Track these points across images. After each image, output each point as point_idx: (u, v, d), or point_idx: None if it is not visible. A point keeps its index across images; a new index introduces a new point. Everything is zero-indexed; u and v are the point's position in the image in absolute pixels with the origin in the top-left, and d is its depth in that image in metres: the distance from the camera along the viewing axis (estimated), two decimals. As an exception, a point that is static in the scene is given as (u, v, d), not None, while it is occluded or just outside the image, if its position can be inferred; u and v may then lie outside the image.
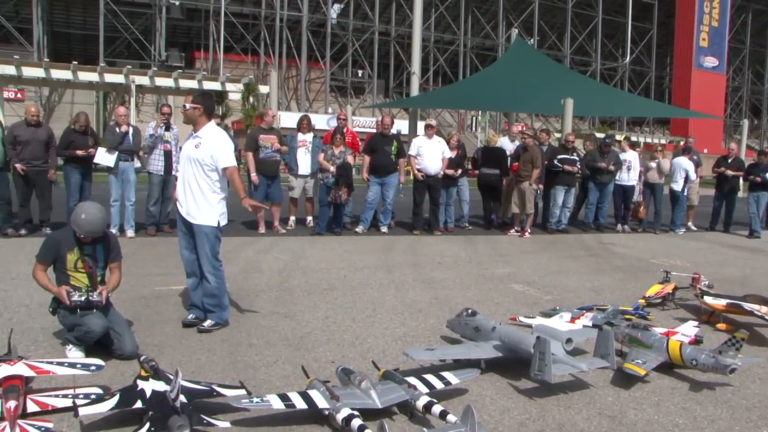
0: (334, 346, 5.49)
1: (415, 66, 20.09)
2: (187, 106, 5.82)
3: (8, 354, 4.35)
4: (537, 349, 4.38)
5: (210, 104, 5.97)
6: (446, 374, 4.42)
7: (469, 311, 5.44)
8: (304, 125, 12.37)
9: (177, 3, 56.72)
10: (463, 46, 63.15)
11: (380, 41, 60.45)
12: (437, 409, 3.83)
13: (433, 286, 8.04)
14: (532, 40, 58.18)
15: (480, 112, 51.32)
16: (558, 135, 20.79)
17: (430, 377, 4.35)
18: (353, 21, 59.81)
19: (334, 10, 59.78)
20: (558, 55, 61.49)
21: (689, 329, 5.99)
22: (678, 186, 14.49)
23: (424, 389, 4.17)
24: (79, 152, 10.67)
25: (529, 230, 12.94)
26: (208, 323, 5.83)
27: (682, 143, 18.90)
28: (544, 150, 13.53)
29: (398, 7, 59.55)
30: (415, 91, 20.60)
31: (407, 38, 45.90)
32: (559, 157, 13.31)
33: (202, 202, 5.79)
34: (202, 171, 5.76)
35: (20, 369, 4.04)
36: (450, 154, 12.71)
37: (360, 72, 62.18)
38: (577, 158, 13.54)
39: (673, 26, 65.89)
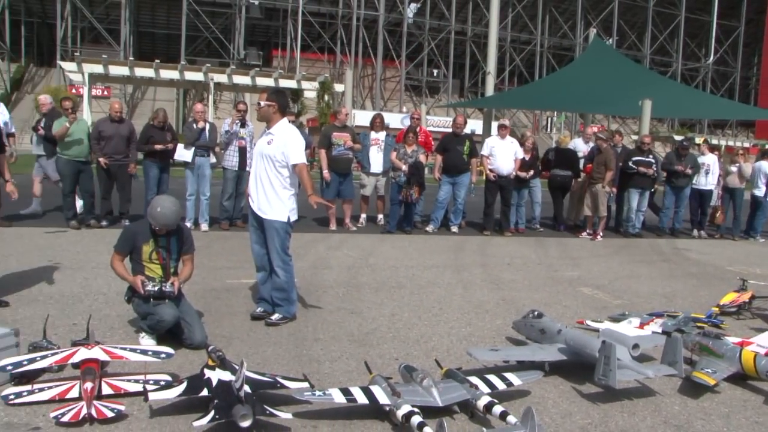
0: (399, 343, 5.52)
1: (491, 66, 20.00)
2: (262, 103, 5.94)
3: (86, 338, 4.58)
4: (602, 354, 4.31)
5: (284, 101, 6.09)
6: (509, 375, 4.39)
7: (536, 313, 5.39)
8: (377, 124, 12.46)
9: (256, 2, 57.90)
10: (539, 46, 62.36)
11: (456, 41, 60.25)
12: (498, 409, 3.81)
13: (501, 287, 7.99)
14: (610, 39, 57.02)
15: (555, 113, 50.69)
16: (635, 137, 20.34)
17: (492, 377, 4.33)
18: (429, 20, 59.80)
19: (411, 10, 59.92)
20: (637, 56, 60.09)
21: (766, 340, 5.78)
22: (760, 191, 13.93)
23: (485, 389, 4.15)
24: (158, 146, 11.01)
25: (601, 233, 12.71)
26: (276, 317, 5.94)
27: None
28: (618, 152, 13.26)
29: (475, 7, 59.27)
30: (490, 91, 20.49)
31: (483, 38, 45.52)
32: (634, 159, 13.01)
33: (273, 198, 5.90)
34: (274, 167, 5.88)
35: (97, 353, 4.22)
36: (523, 154, 12.59)
37: (435, 71, 62.15)
38: (653, 161, 13.21)
39: (763, 23, 63.46)
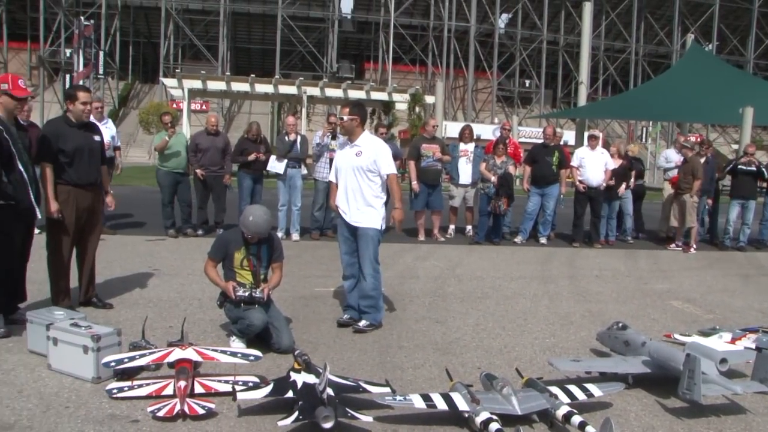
0: (482, 352, 5.56)
1: (584, 75, 19.73)
2: (345, 118, 6.14)
3: (181, 340, 4.86)
4: (686, 367, 4.21)
5: (365, 114, 6.34)
6: (590, 386, 4.36)
7: (620, 324, 5.32)
8: (466, 135, 12.49)
9: (349, 17, 58.91)
10: (634, 54, 60.57)
11: (548, 50, 59.45)
12: (576, 419, 3.80)
13: (587, 299, 7.90)
14: (710, 45, 55.01)
15: (651, 122, 49.19)
16: (735, 146, 19.60)
17: (572, 388, 4.31)
18: (521, 30, 59.28)
19: (502, 20, 59.69)
20: (740, 61, 57.74)
21: None
22: None
23: (565, 399, 4.14)
24: (250, 157, 11.35)
25: (695, 246, 12.30)
26: (362, 324, 6.06)
27: None
28: (709, 162, 12.82)
29: (567, 16, 58.39)
30: (582, 101, 20.22)
31: (576, 47, 44.83)
32: (739, 167, 12.56)
33: (367, 208, 6.10)
34: (367, 178, 6.08)
35: (190, 354, 4.46)
36: (613, 165, 12.34)
37: (527, 82, 61.49)
38: (754, 169, 12.69)
39: None
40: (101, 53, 47.01)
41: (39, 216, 5.70)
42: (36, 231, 6.18)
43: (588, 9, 19.43)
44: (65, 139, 6.04)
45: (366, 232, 6.08)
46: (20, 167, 5.43)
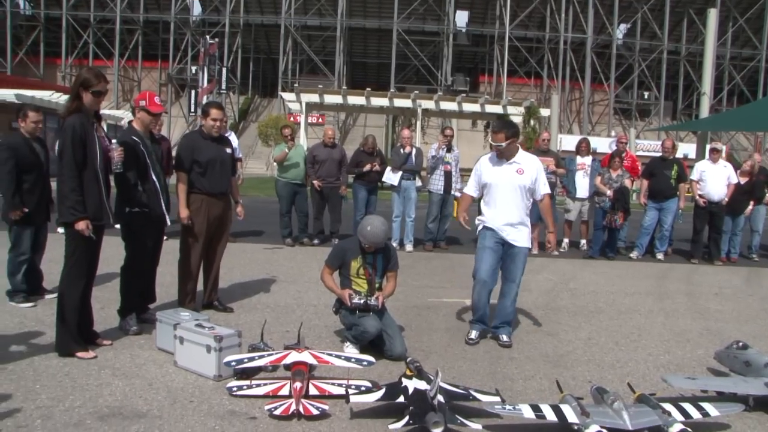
0: (593, 366, 5.50)
1: (706, 86, 19.01)
2: (503, 144, 5.96)
3: (297, 344, 5.04)
4: (814, 390, 4.03)
5: (518, 130, 6.21)
6: (706, 405, 4.22)
7: (740, 344, 5.12)
8: (583, 148, 12.30)
9: (464, 30, 58.98)
10: (764, 62, 57.37)
11: (669, 60, 57.34)
12: (690, 437, 3.72)
13: (705, 317, 7.64)
14: None
15: (780, 133, 46.48)
16: None
17: (687, 406, 4.19)
18: (640, 40, 57.40)
19: (620, 30, 58.13)
20: None
21: None
22: None
23: (679, 417, 4.03)
24: (366, 167, 11.56)
25: None
26: (506, 338, 6.05)
27: None
28: None
29: (690, 23, 56.15)
30: (705, 112, 19.44)
31: (699, 56, 42.95)
32: None
33: (522, 227, 6.11)
34: (525, 197, 6.09)
35: (306, 357, 4.64)
36: (737, 179, 11.82)
37: (646, 93, 59.51)
38: None
39: None
40: (224, 70, 49.06)
41: (169, 223, 6.07)
42: (164, 238, 6.59)
43: (713, 15, 18.70)
44: (200, 151, 6.49)
45: (522, 251, 6.10)
46: (153, 177, 5.82)
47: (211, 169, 6.51)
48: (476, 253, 6.22)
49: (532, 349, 5.95)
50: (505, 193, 6.04)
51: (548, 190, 6.21)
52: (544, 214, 6.39)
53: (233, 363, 4.66)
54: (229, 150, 6.81)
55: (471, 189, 6.34)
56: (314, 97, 32.42)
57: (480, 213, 6.26)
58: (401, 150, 11.67)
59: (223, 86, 48.92)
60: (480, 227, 6.22)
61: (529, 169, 6.04)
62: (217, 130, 6.65)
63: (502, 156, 6.06)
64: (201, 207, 6.47)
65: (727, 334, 6.72)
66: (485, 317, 6.16)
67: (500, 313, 6.15)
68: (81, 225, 4.94)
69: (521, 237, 6.07)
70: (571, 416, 3.94)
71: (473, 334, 6.09)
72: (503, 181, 6.04)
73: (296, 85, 41.39)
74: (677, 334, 6.78)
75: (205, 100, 43.15)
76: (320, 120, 48.70)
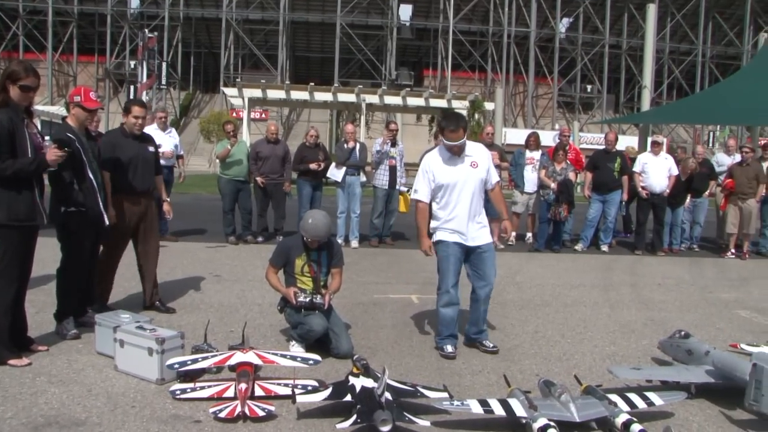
0: (541, 360, 5.57)
1: (647, 79, 19.45)
2: (460, 142, 5.51)
3: (242, 344, 4.99)
4: (753, 377, 4.13)
5: (465, 123, 5.71)
6: (650, 394, 4.32)
7: (682, 333, 5.24)
8: (532, 142, 12.42)
9: (407, 24, 59.16)
10: (701, 56, 58.98)
11: (611, 54, 58.55)
12: (636, 427, 3.79)
13: (649, 308, 7.81)
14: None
15: (718, 126, 47.87)
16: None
17: (632, 396, 4.27)
18: (582, 34, 58.33)
19: (563, 25, 59.03)
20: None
21: None
22: None
23: (625, 407, 4.11)
24: (312, 165, 11.51)
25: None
26: (491, 344, 5.74)
27: None
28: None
29: (630, 18, 57.32)
30: (646, 105, 19.88)
31: (639, 50, 43.88)
32: None
33: (483, 221, 5.75)
34: (481, 190, 5.72)
35: (251, 357, 4.59)
36: (677, 172, 12.11)
37: (589, 87, 60.67)
38: None
39: None
40: (164, 64, 48.27)
41: (107, 222, 5.91)
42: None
43: (652, 11, 19.15)
44: (121, 149, 6.37)
45: (489, 248, 5.70)
46: (90, 175, 5.66)
47: (132, 168, 6.40)
48: (439, 262, 5.72)
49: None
50: (465, 192, 5.58)
51: (498, 178, 5.92)
52: (496, 202, 5.97)
53: (176, 365, 4.56)
54: (152, 148, 6.70)
55: (424, 194, 5.69)
56: (257, 93, 32.18)
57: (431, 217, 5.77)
58: (345, 145, 11.65)
59: (163, 81, 48.15)
60: (435, 235, 5.73)
61: (481, 160, 5.67)
62: (139, 128, 6.53)
63: (459, 152, 5.60)
64: (121, 206, 6.32)
65: (670, 324, 6.87)
66: (455, 330, 5.75)
67: (478, 320, 5.76)
68: None
69: (485, 234, 5.71)
70: (519, 410, 3.97)
71: (450, 348, 5.59)
72: (461, 179, 5.58)
73: (238, 80, 41.06)
74: (622, 325, 6.93)
75: (145, 96, 42.52)
76: (263, 116, 48.26)
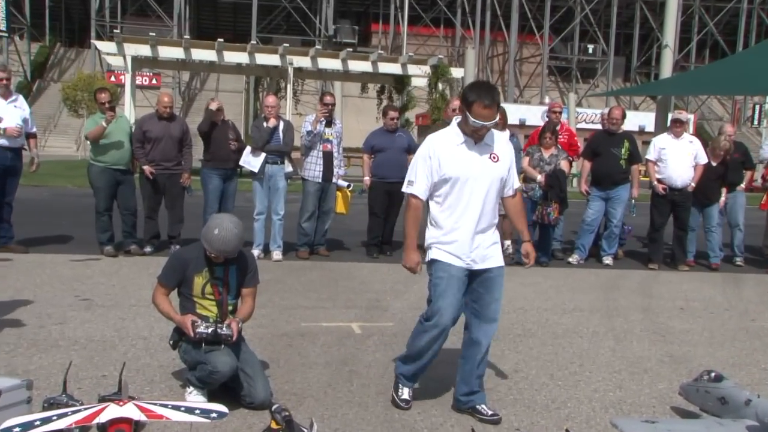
0: (522, 408, 5.60)
1: (669, 36, 19.68)
2: (489, 123, 5.24)
3: (118, 393, 4.88)
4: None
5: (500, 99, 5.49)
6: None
7: (713, 375, 5.30)
8: (500, 123, 12.55)
9: (350, -40, 59.19)
10: (747, 2, 59.78)
11: (621, 3, 59.38)
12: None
13: (668, 340, 7.94)
14: None
15: (767, 98, 48.73)
16: None
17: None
18: (583, -23, 59.09)
19: (557, -36, 59.64)
20: None
21: None
22: None
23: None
24: (233, 145, 11.48)
25: None
26: (488, 410, 5.47)
27: None
28: None
29: (648, -46, 58.17)
30: (667, 71, 20.16)
31: (659, -1, 44.55)
32: None
33: (496, 237, 5.57)
34: (497, 194, 5.51)
35: (130, 411, 4.48)
36: (706, 159, 12.30)
37: (591, 47, 61.45)
38: None
39: None
40: (1, 2, 46.86)
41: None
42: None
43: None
44: None
45: (499, 273, 5.47)
46: None
47: None
48: (434, 284, 5.45)
49: (440, 387, 6.01)
50: (477, 192, 5.33)
51: (519, 183, 5.71)
52: (514, 216, 5.76)
53: (16, 429, 4.35)
54: None
55: (422, 189, 5.44)
56: (144, 50, 31.74)
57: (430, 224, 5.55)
58: (264, 123, 11.56)
59: (3, 26, 46.95)
60: (431, 251, 5.49)
61: (503, 153, 5.46)
62: None
63: (481, 138, 5.35)
64: None
65: (696, 362, 6.99)
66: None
67: (472, 375, 5.52)
68: None
69: (496, 254, 5.50)
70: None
71: (407, 394, 5.60)
72: (474, 173, 5.33)
73: (117, 31, 40.43)
74: (631, 363, 7.00)
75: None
76: (155, 82, 47.77)
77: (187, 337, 5.46)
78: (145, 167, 11.40)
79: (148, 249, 11.59)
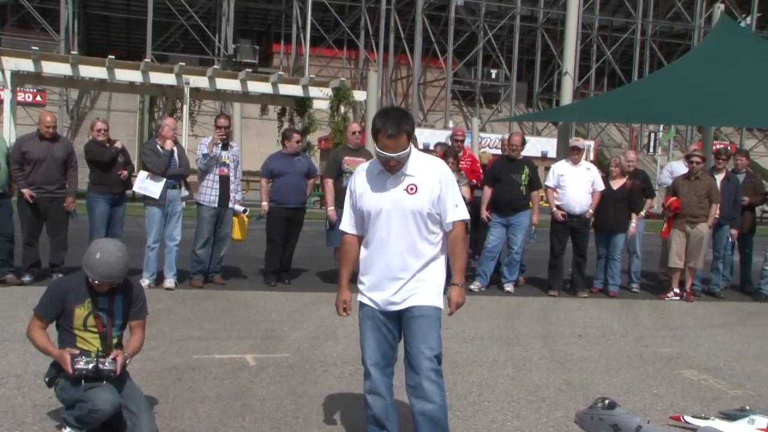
0: (416, 441, 5.58)
1: (569, 63, 20.08)
2: (398, 155, 4.98)
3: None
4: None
5: (413, 125, 5.24)
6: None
7: (606, 402, 5.43)
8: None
9: (251, -22, 59.06)
10: (640, 34, 61.68)
11: (523, 29, 60.48)
12: None
13: (566, 367, 8.08)
14: (747, 18, 56.30)
15: (661, 126, 50.23)
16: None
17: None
18: (487, 1, 59.82)
19: (461, -13, 60.41)
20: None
21: None
22: None
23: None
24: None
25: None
26: None
27: None
28: (740, 180, 13.33)
29: (549, -19, 59.53)
30: (567, 98, 20.54)
31: (561, 24, 45.63)
32: None
33: (423, 273, 5.20)
34: (425, 228, 5.17)
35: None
36: (603, 186, 12.52)
37: (494, 72, 62.34)
38: None
39: None
40: None
41: None
42: None
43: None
44: None
45: (422, 311, 5.11)
46: None
47: None
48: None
49: (340, 419, 5.99)
50: (395, 228, 5.11)
51: (463, 216, 5.25)
52: (451, 252, 5.34)
53: None
54: None
55: (347, 224, 5.38)
56: (26, 64, 30.89)
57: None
58: (159, 147, 11.31)
59: None
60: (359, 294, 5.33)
61: (424, 183, 5.10)
62: None
63: (395, 169, 5.10)
64: None
65: (593, 389, 7.11)
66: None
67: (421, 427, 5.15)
68: None
69: (423, 291, 5.16)
70: None
71: None
72: (386, 206, 5.13)
73: (-4, 44, 39.39)
74: (530, 391, 7.08)
75: None
76: (39, 99, 46.58)
77: (65, 373, 5.27)
78: (24, 190, 11.03)
79: (26, 278, 11.22)
